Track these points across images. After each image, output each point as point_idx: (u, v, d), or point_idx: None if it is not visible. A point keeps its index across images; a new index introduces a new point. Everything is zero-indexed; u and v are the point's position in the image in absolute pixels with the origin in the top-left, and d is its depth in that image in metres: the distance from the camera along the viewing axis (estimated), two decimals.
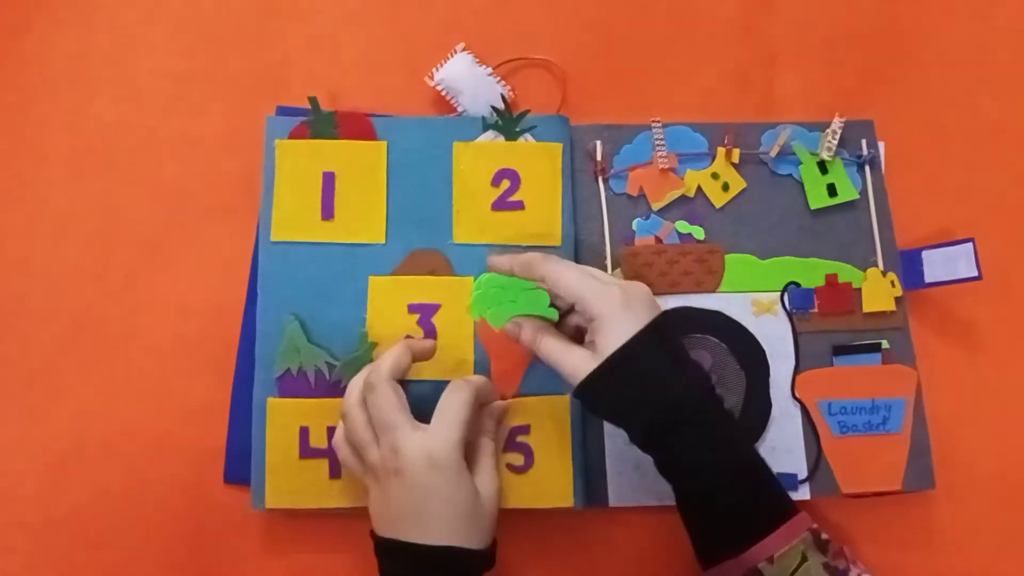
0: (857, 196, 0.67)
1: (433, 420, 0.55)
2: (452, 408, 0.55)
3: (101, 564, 0.62)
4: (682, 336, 0.65)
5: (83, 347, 0.65)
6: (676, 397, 0.52)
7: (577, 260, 0.66)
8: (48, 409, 0.64)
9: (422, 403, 0.62)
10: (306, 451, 0.62)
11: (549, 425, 0.63)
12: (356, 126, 0.65)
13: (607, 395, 0.54)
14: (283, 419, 0.62)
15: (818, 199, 0.67)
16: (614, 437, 0.64)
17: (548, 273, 0.55)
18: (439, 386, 0.62)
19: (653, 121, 0.67)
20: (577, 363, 0.53)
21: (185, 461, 0.64)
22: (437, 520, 0.52)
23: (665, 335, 0.53)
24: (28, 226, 0.67)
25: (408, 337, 0.63)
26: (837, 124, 0.66)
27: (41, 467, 0.64)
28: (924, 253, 0.64)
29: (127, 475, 0.64)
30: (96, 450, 0.64)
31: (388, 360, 0.57)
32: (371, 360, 0.63)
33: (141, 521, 0.63)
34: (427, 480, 0.53)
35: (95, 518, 0.63)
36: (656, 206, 0.67)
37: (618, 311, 0.52)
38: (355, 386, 0.57)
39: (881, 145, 0.67)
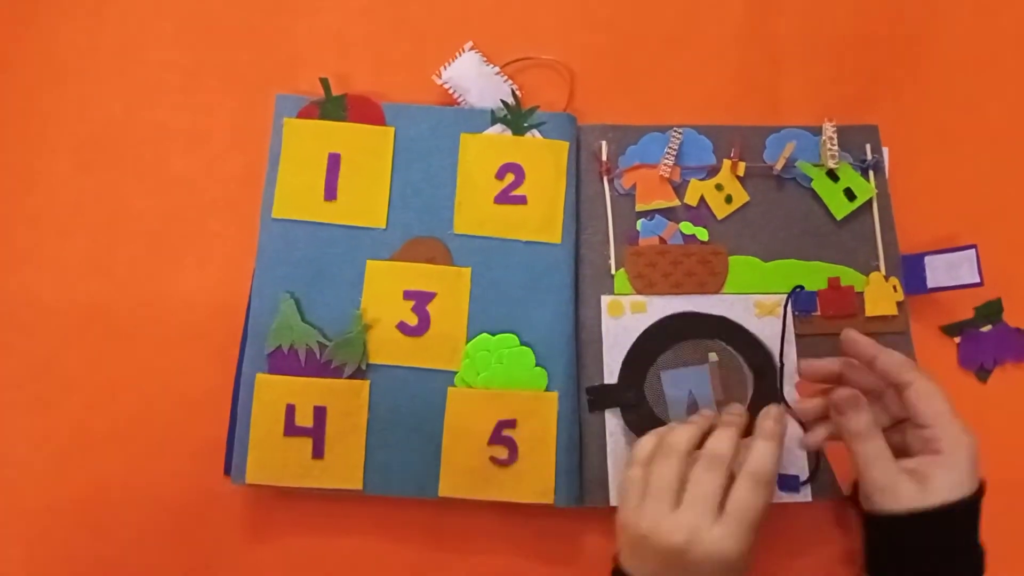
0: (875, 192, 0.66)
1: (727, 516, 0.50)
2: (745, 507, 0.51)
3: (102, 553, 0.62)
4: (688, 340, 0.64)
5: (88, 339, 0.65)
6: None
7: (579, 259, 0.65)
8: (53, 399, 0.64)
9: (412, 390, 0.62)
10: (291, 429, 0.61)
11: (535, 421, 0.62)
12: (365, 110, 0.66)
13: (918, 540, 0.52)
14: (270, 395, 0.61)
15: (840, 208, 0.66)
16: (615, 437, 0.62)
17: (916, 384, 0.54)
18: (429, 374, 0.62)
19: (674, 129, 0.66)
20: (902, 490, 0.52)
21: (187, 452, 0.63)
22: None
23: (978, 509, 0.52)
24: (35, 218, 0.67)
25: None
26: (830, 130, 0.66)
27: (45, 456, 0.63)
28: (927, 258, 0.64)
29: (129, 465, 0.63)
30: (99, 440, 0.63)
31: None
32: (364, 342, 0.62)
33: (142, 511, 0.62)
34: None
35: (97, 507, 0.62)
36: (640, 207, 0.66)
37: (965, 463, 0.52)
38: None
39: (885, 150, 0.67)
